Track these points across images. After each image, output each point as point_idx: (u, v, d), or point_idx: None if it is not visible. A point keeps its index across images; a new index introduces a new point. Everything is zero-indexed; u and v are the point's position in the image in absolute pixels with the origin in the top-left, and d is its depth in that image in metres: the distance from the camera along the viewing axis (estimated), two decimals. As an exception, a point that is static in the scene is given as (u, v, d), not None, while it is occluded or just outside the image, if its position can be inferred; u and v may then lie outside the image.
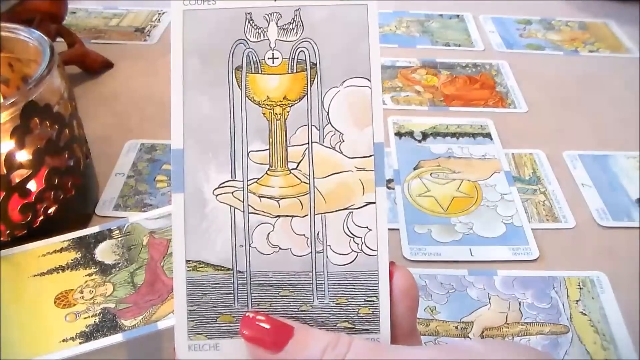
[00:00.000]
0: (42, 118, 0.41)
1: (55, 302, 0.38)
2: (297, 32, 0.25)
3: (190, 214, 0.24)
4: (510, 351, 0.23)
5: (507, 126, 0.62)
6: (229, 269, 0.24)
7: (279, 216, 0.24)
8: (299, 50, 0.25)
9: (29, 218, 0.43)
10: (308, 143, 0.25)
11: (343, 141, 0.25)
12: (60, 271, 0.40)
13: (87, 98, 0.64)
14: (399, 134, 0.60)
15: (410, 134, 0.60)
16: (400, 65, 0.72)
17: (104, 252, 0.41)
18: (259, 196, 0.24)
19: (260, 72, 0.24)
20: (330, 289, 0.24)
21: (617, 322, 0.42)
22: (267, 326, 0.24)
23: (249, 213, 0.24)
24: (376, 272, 0.25)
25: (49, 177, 0.43)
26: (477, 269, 0.46)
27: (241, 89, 0.24)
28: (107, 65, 0.70)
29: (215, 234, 0.24)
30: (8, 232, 0.42)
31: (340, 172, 0.25)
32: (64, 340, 0.36)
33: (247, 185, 0.24)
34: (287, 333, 0.23)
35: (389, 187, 0.53)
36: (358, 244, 0.25)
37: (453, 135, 0.60)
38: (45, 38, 0.45)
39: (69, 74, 0.48)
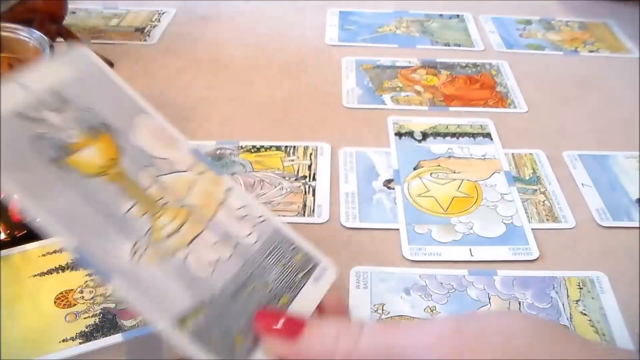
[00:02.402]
0: (42, 118, 0.41)
1: (55, 302, 0.38)
2: (69, 108, 0.26)
3: (135, 290, 0.24)
4: (523, 323, 0.23)
5: (507, 126, 0.62)
6: (202, 307, 0.25)
7: (190, 241, 0.26)
8: (85, 120, 0.27)
9: (29, 218, 0.43)
10: (152, 179, 0.27)
11: (173, 163, 0.28)
12: (60, 271, 0.40)
13: (87, 98, 0.64)
14: (399, 134, 0.60)
15: (410, 134, 0.60)
16: (400, 65, 0.72)
17: (104, 252, 0.41)
18: (166, 237, 0.26)
19: (73, 152, 0.25)
20: (268, 262, 0.28)
21: (617, 322, 0.42)
22: (280, 318, 0.25)
23: (171, 256, 0.26)
24: (278, 229, 0.29)
25: (49, 177, 0.43)
26: (477, 269, 0.46)
27: (72, 173, 0.25)
28: (107, 65, 0.69)
29: (164, 291, 0.25)
30: (8, 232, 0.42)
31: (194, 183, 0.28)
32: (64, 340, 0.36)
33: (150, 240, 0.26)
34: (300, 323, 0.25)
35: (389, 187, 0.53)
36: (250, 220, 0.28)
37: (453, 135, 0.60)
38: (45, 38, 0.45)
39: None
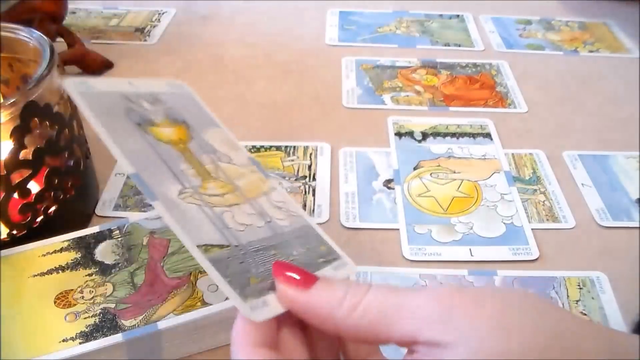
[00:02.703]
0: (42, 118, 0.41)
1: (55, 302, 0.38)
2: (160, 103, 0.34)
3: (172, 212, 0.28)
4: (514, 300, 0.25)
5: (507, 126, 0.62)
6: (228, 246, 0.28)
7: (230, 205, 0.31)
8: (169, 113, 0.34)
9: (29, 218, 0.43)
10: (212, 162, 0.33)
11: (232, 158, 0.34)
12: (60, 271, 0.40)
13: (87, 98, 0.64)
14: (399, 134, 0.60)
15: (410, 134, 0.60)
16: (400, 65, 0.72)
17: (104, 252, 0.41)
18: (209, 195, 0.31)
19: (154, 125, 0.32)
20: (295, 242, 0.31)
21: (617, 322, 0.42)
22: (296, 269, 0.27)
23: (211, 207, 0.30)
24: (309, 224, 0.33)
25: (49, 177, 0.43)
26: (477, 269, 0.46)
27: (148, 136, 0.31)
28: (107, 65, 0.70)
29: (200, 223, 0.28)
30: (8, 232, 0.42)
31: (245, 175, 0.34)
32: (63, 340, 0.36)
33: (197, 190, 0.30)
34: (313, 277, 0.27)
35: (389, 187, 0.53)
36: (285, 212, 0.33)
37: (453, 135, 0.60)
38: (45, 38, 0.45)
39: (69, 74, 0.48)
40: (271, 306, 0.26)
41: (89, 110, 0.29)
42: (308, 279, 0.27)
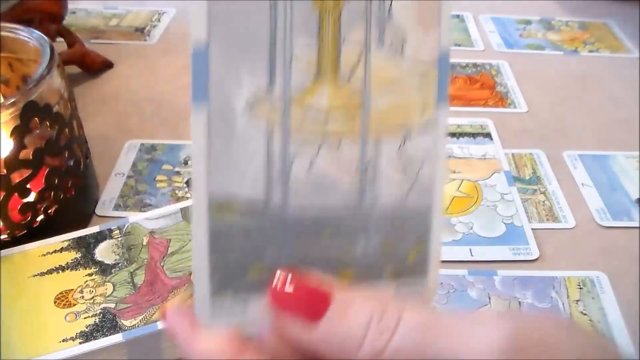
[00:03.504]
0: (42, 118, 0.41)
1: (55, 302, 0.38)
2: None
3: (216, 132, 0.19)
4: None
5: (507, 126, 0.62)
6: (259, 209, 0.20)
7: (325, 135, 0.20)
8: None
9: (29, 218, 0.43)
10: (365, 45, 0.20)
11: (405, 42, 0.20)
12: (60, 271, 0.40)
13: (87, 98, 0.64)
14: (399, 134, 0.60)
15: (410, 134, 0.60)
16: (400, 65, 0.72)
17: (104, 252, 0.41)
18: (304, 109, 0.20)
19: None
20: (377, 231, 0.21)
21: (617, 322, 0.42)
22: (300, 294, 0.19)
23: (289, 131, 0.20)
24: (430, 207, 0.21)
25: (49, 177, 0.43)
26: (477, 269, 0.46)
27: None
28: (107, 65, 0.70)
29: (246, 160, 0.19)
30: (8, 232, 0.42)
31: (399, 83, 0.21)
32: (64, 340, 0.36)
33: (290, 95, 0.19)
34: (324, 301, 0.19)
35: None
36: (413, 175, 0.21)
37: (453, 135, 0.60)
38: (45, 38, 0.45)
39: (69, 74, 0.48)
40: (251, 312, 0.20)
41: None
42: (315, 308, 0.19)
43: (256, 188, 0.19)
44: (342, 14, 0.20)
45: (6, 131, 0.39)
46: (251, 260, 0.20)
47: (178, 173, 0.54)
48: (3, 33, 0.47)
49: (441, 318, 0.19)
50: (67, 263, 0.40)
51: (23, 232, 0.43)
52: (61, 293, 0.38)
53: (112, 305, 0.38)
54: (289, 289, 0.19)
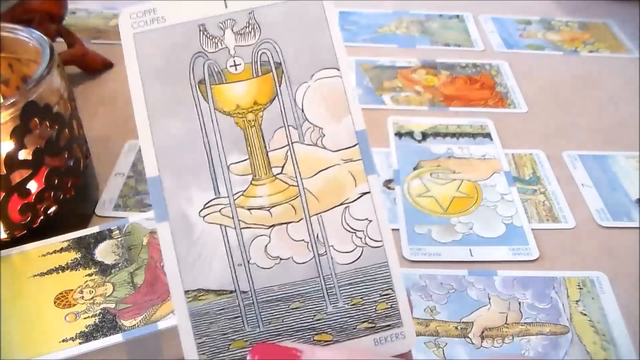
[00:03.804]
0: (41, 118, 0.41)
1: (55, 302, 0.38)
2: (254, 35, 0.24)
3: (179, 242, 0.23)
4: None
5: (507, 126, 0.62)
6: (231, 292, 0.23)
7: (273, 225, 0.23)
8: (261, 52, 0.24)
9: (29, 218, 0.43)
10: (288, 144, 0.24)
11: (324, 135, 0.24)
12: (60, 271, 0.40)
13: (87, 98, 0.64)
14: (399, 134, 0.60)
15: (410, 134, 0.60)
16: (400, 66, 0.72)
17: (104, 252, 0.41)
18: (248, 209, 0.23)
19: (224, 81, 0.24)
20: (342, 291, 0.23)
21: (617, 322, 0.42)
22: (273, 355, 0.21)
23: (241, 229, 0.23)
24: (386, 262, 0.23)
25: (49, 177, 0.43)
26: (477, 269, 0.46)
27: (208, 103, 0.24)
28: (107, 65, 0.70)
29: (210, 257, 0.23)
30: (8, 232, 0.42)
31: (327, 167, 0.24)
32: (63, 341, 0.36)
33: (234, 200, 0.23)
34: (294, 354, 0.21)
35: (388, 188, 0.53)
36: (361, 238, 0.24)
37: (453, 135, 0.60)
38: (45, 38, 0.45)
39: (69, 74, 0.48)
40: None
41: (136, 65, 0.23)
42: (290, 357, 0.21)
43: (224, 278, 0.23)
44: (262, 123, 0.24)
45: (6, 131, 0.39)
46: (232, 337, 0.23)
47: (178, 173, 0.54)
48: (3, 33, 0.47)
49: None
50: (67, 263, 0.40)
51: (23, 233, 0.43)
52: (61, 293, 0.38)
53: (112, 306, 0.38)
54: (263, 356, 0.21)
